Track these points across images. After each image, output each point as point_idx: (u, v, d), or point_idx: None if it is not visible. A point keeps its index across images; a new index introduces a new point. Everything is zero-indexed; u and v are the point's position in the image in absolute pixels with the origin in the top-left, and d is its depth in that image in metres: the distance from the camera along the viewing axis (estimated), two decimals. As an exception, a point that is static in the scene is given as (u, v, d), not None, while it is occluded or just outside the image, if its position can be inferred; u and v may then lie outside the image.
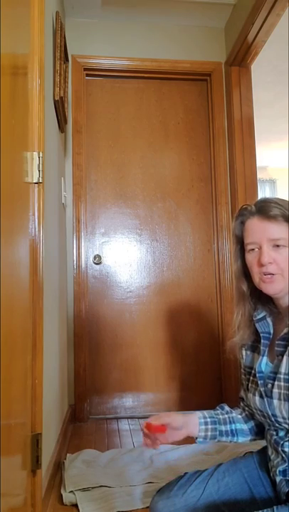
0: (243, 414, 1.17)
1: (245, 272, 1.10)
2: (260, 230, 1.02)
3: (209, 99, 2.78)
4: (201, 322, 2.65)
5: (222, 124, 2.73)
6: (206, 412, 1.12)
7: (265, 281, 1.01)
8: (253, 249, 1.04)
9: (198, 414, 1.11)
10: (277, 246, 1.00)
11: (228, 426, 1.13)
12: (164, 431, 1.02)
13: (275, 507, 0.92)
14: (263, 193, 6.05)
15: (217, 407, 1.17)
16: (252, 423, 1.15)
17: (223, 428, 1.12)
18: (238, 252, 1.11)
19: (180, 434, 1.06)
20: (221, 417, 1.13)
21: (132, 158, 2.70)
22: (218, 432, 1.10)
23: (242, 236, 1.08)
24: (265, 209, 1.02)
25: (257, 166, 2.65)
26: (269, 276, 1.00)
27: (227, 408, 1.17)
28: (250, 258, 1.04)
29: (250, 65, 2.66)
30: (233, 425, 1.14)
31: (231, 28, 2.66)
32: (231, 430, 1.13)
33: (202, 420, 1.10)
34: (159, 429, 1.01)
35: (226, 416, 1.14)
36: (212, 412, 1.14)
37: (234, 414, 1.16)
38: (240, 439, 1.14)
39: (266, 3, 2.10)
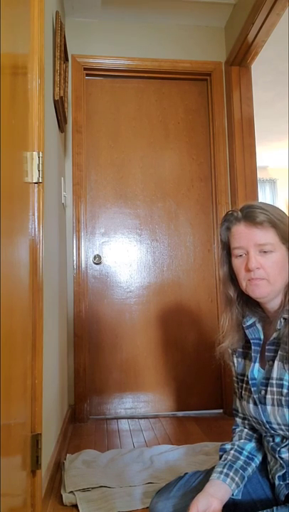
0: (245, 431, 1.13)
1: (232, 277, 1.09)
2: (246, 236, 1.01)
3: (209, 99, 2.78)
4: (201, 322, 2.64)
5: (222, 123, 2.73)
6: (217, 467, 1.06)
7: (252, 285, 1.01)
8: (240, 255, 1.03)
9: (214, 475, 1.04)
10: (265, 252, 1.00)
11: (241, 456, 1.08)
12: None
13: (274, 507, 0.92)
14: (263, 192, 6.06)
15: (219, 452, 1.13)
16: (258, 433, 1.12)
17: (240, 463, 1.07)
18: (225, 257, 1.11)
19: (215, 505, 0.97)
20: (229, 457, 1.08)
21: (132, 158, 2.70)
22: (241, 470, 1.05)
23: (228, 241, 1.08)
24: (251, 215, 1.01)
25: (257, 165, 2.65)
26: (255, 280, 1.00)
27: (228, 445, 1.12)
28: (238, 263, 1.04)
29: (250, 64, 2.66)
30: (244, 451, 1.09)
31: (231, 27, 2.66)
32: (247, 457, 1.09)
33: (222, 476, 1.03)
34: None
35: (232, 452, 1.10)
36: (220, 461, 1.08)
37: (238, 442, 1.11)
38: (259, 456, 1.10)
39: (266, 3, 2.10)
